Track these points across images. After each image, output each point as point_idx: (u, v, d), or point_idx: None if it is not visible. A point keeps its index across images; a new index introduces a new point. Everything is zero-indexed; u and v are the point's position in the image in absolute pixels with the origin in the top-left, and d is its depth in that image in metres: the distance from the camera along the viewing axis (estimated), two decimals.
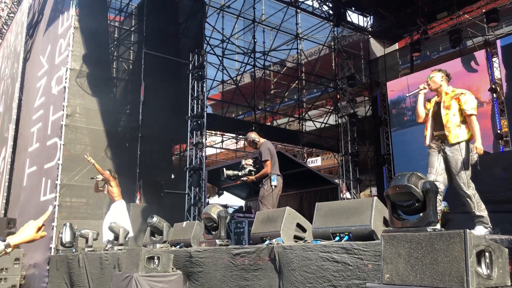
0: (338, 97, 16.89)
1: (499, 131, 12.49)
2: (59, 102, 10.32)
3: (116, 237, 6.87)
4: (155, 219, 6.00)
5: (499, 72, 13.00)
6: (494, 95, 12.86)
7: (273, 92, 19.46)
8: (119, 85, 12.77)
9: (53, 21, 11.67)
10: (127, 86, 12.69)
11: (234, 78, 16.30)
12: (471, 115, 4.28)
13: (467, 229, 2.11)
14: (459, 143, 4.28)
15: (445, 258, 2.16)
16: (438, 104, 4.55)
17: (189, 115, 11.39)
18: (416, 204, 2.93)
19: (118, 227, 6.92)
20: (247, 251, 4.18)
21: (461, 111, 4.33)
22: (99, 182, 8.70)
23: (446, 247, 2.17)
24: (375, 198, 3.65)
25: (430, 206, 2.85)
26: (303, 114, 17.21)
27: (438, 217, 3.00)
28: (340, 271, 3.31)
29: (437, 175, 4.34)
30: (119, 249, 6.46)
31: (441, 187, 4.30)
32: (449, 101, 4.43)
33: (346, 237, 3.61)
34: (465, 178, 4.19)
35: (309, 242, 3.87)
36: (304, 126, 17.07)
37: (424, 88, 4.63)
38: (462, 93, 4.39)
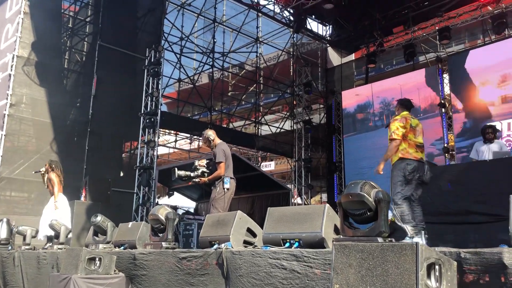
0: (295, 103, 17.02)
1: (446, 145, 12.97)
2: (3, 90, 9.78)
3: (57, 235, 6.50)
4: (99, 218, 5.72)
5: (448, 88, 13.54)
6: (443, 109, 13.36)
7: (230, 94, 19.35)
8: (70, 76, 12.24)
9: (0, 4, 11.04)
10: (79, 78, 12.19)
11: (192, 77, 16.05)
12: (390, 140, 4.98)
13: (419, 242, 2.08)
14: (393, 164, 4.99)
15: (396, 270, 2.12)
16: None
17: (142, 111, 11.08)
18: (368, 213, 2.91)
19: (59, 224, 6.56)
20: (194, 255, 4.04)
21: None
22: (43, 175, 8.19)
23: (397, 259, 2.13)
24: (327, 205, 3.60)
25: (381, 216, 2.83)
26: (259, 118, 17.20)
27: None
28: (288, 278, 3.24)
29: None
30: (59, 248, 6.11)
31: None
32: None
33: (297, 244, 3.54)
34: (391, 193, 4.76)
35: (258, 248, 3.78)
36: (259, 130, 17.07)
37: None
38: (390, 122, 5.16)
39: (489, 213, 5.64)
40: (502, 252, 2.31)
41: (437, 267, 2.16)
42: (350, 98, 16.20)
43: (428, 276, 2.13)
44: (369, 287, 2.20)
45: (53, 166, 7.89)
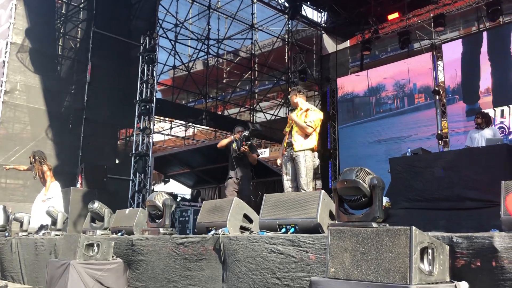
0: (289, 90, 17.00)
1: (439, 132, 13.05)
2: None
3: (54, 222, 6.55)
4: (96, 204, 5.77)
5: (442, 75, 13.56)
6: (437, 97, 13.40)
7: (225, 81, 19.29)
8: (64, 63, 12.16)
9: None
10: (73, 65, 12.10)
11: (186, 64, 15.98)
12: (308, 126, 5.63)
13: (413, 226, 2.14)
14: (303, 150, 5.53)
15: (390, 254, 2.18)
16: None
17: (137, 99, 11.06)
18: (363, 199, 2.96)
19: (56, 211, 6.60)
20: (192, 241, 4.10)
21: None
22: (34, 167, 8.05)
23: (392, 243, 2.19)
24: (323, 191, 3.65)
25: (376, 202, 2.88)
26: (255, 105, 17.19)
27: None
28: (284, 263, 3.30)
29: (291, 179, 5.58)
30: (56, 235, 6.16)
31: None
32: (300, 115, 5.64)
33: (292, 229, 3.60)
34: (305, 177, 5.41)
35: (255, 233, 3.84)
36: (255, 117, 17.06)
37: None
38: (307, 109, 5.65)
39: (481, 199, 5.72)
40: (493, 236, 2.37)
41: (430, 251, 2.22)
42: (348, 85, 16.04)
43: (422, 259, 2.19)
44: (364, 270, 2.26)
45: (38, 157, 7.73)
